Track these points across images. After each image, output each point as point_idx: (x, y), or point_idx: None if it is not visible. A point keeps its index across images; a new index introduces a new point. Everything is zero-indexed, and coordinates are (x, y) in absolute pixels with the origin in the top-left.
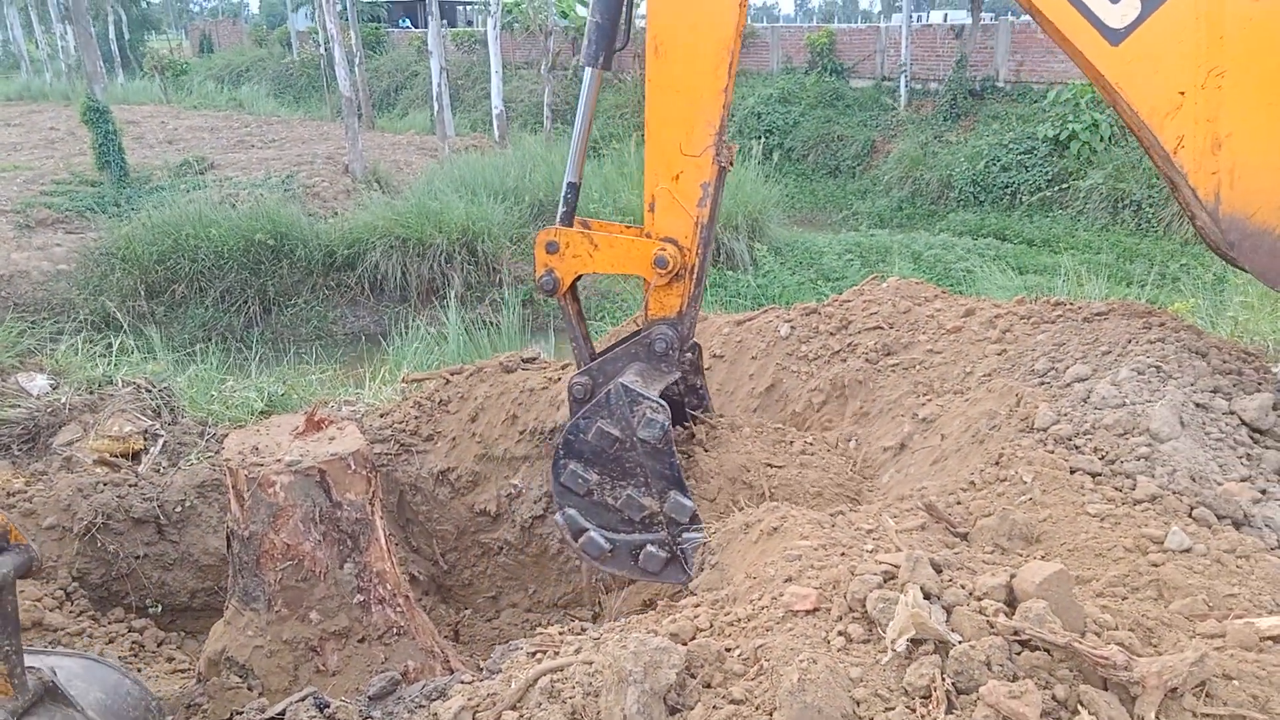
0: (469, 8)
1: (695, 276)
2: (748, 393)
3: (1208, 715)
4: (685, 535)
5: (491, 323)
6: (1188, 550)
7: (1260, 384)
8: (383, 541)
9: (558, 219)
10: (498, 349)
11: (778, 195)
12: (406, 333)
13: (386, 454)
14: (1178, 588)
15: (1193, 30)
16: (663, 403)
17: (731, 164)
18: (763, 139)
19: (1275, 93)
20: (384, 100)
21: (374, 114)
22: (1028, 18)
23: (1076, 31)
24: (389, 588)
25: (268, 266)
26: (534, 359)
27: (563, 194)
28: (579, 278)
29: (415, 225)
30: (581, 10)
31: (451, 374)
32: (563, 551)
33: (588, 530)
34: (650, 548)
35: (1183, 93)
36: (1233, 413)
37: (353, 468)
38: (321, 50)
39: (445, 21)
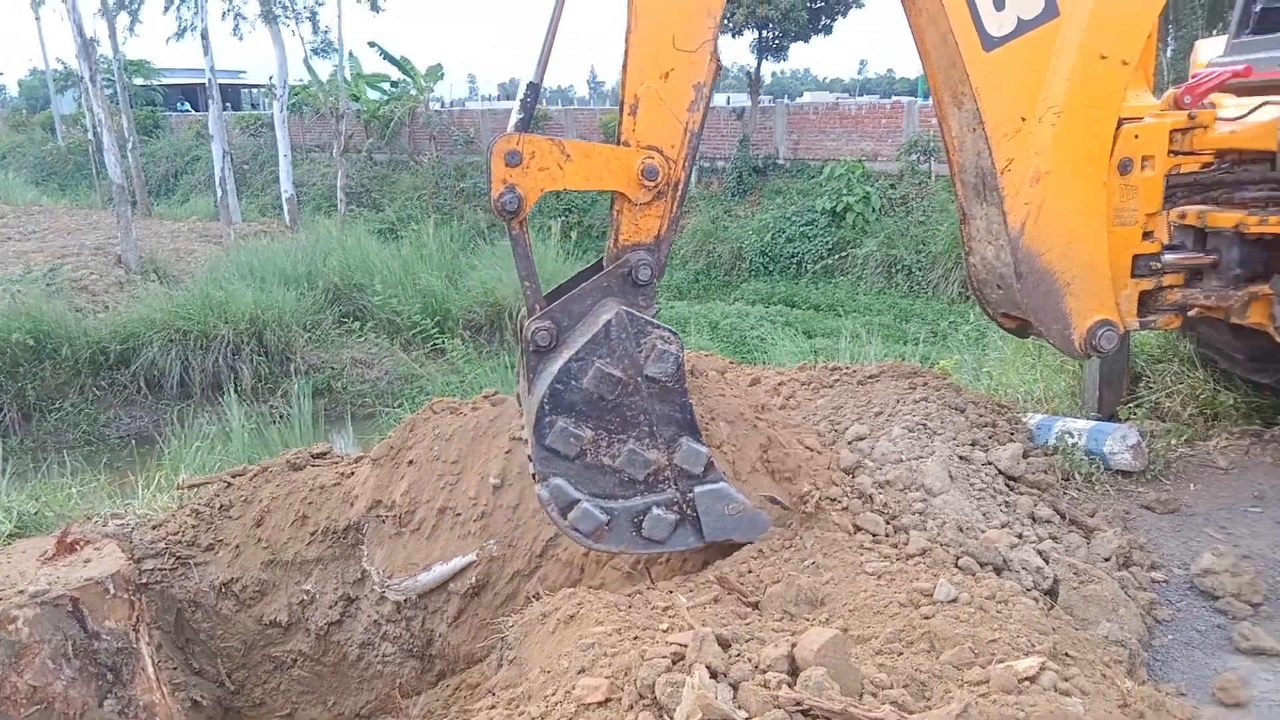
0: (254, 91)
1: (679, 194)
2: None
3: None
4: (699, 489)
5: (283, 416)
6: (954, 600)
7: (1012, 434)
8: (151, 670)
9: (511, 126)
10: (290, 445)
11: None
12: (186, 433)
13: (160, 569)
14: (947, 638)
15: (1047, 64)
16: (674, 330)
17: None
18: (562, 218)
19: (1092, 147)
20: (162, 186)
21: (150, 201)
22: (802, 100)
23: (961, 25)
24: None
25: (27, 369)
26: (325, 454)
27: (520, 97)
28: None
29: (197, 316)
30: (373, 94)
31: (233, 476)
32: (363, 657)
33: (578, 501)
34: (656, 510)
35: (1024, 119)
36: (990, 463)
37: (112, 592)
38: (90, 135)
39: (228, 105)
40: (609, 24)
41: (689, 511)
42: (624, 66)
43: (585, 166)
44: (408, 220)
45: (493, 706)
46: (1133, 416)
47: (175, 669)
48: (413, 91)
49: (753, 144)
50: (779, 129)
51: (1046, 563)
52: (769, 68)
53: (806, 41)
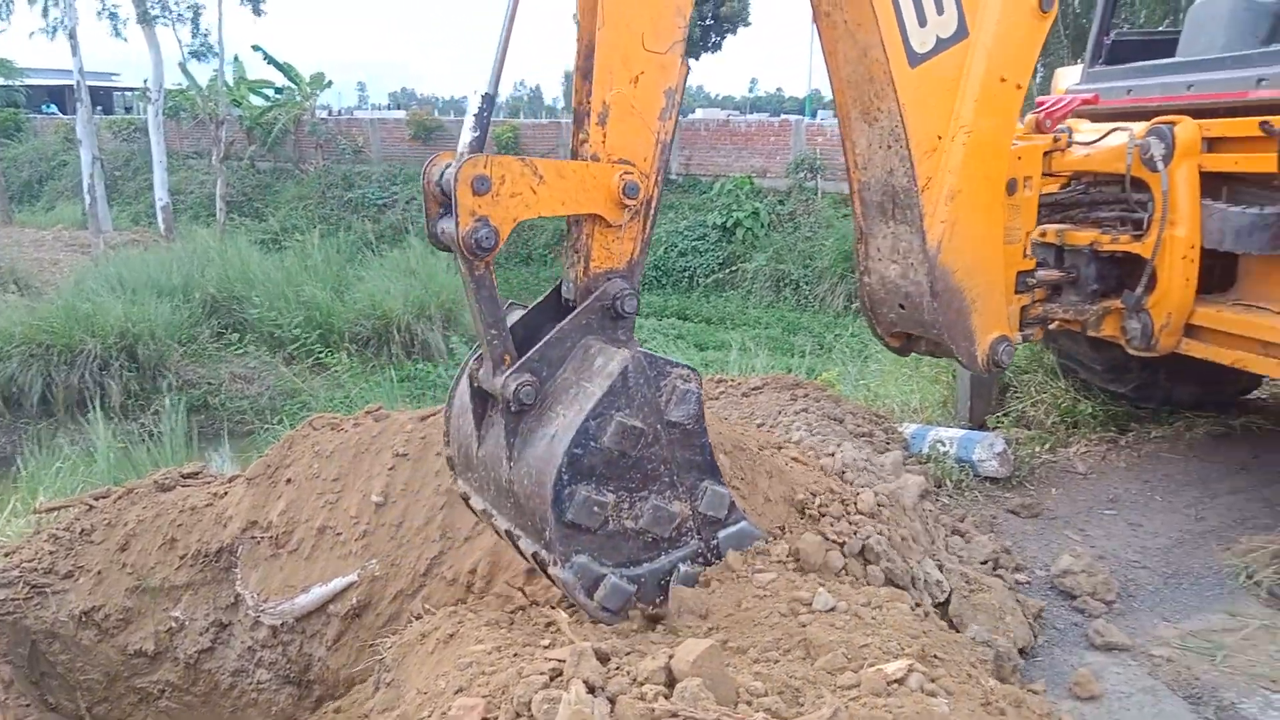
0: (128, 94)
1: (652, 214)
2: (434, 490)
3: None
4: (723, 534)
5: (153, 435)
6: (832, 609)
7: (888, 443)
8: None
9: (466, 145)
10: (161, 465)
11: None
12: (45, 453)
13: (13, 599)
14: (822, 645)
15: (956, 84)
16: (691, 367)
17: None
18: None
19: (993, 167)
20: (25, 192)
21: (11, 207)
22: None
23: (891, 39)
24: None
25: None
26: (196, 474)
27: (476, 111)
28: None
29: (61, 329)
30: (256, 100)
31: (96, 498)
32: (236, 686)
33: (604, 577)
34: (684, 567)
35: (940, 137)
36: (869, 470)
37: None
38: None
39: (100, 108)
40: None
41: (714, 560)
42: (586, 70)
43: (560, 189)
44: (292, 230)
45: None
46: (1000, 425)
47: (28, 705)
48: (298, 98)
49: None
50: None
51: (941, 570)
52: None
53: (697, 59)
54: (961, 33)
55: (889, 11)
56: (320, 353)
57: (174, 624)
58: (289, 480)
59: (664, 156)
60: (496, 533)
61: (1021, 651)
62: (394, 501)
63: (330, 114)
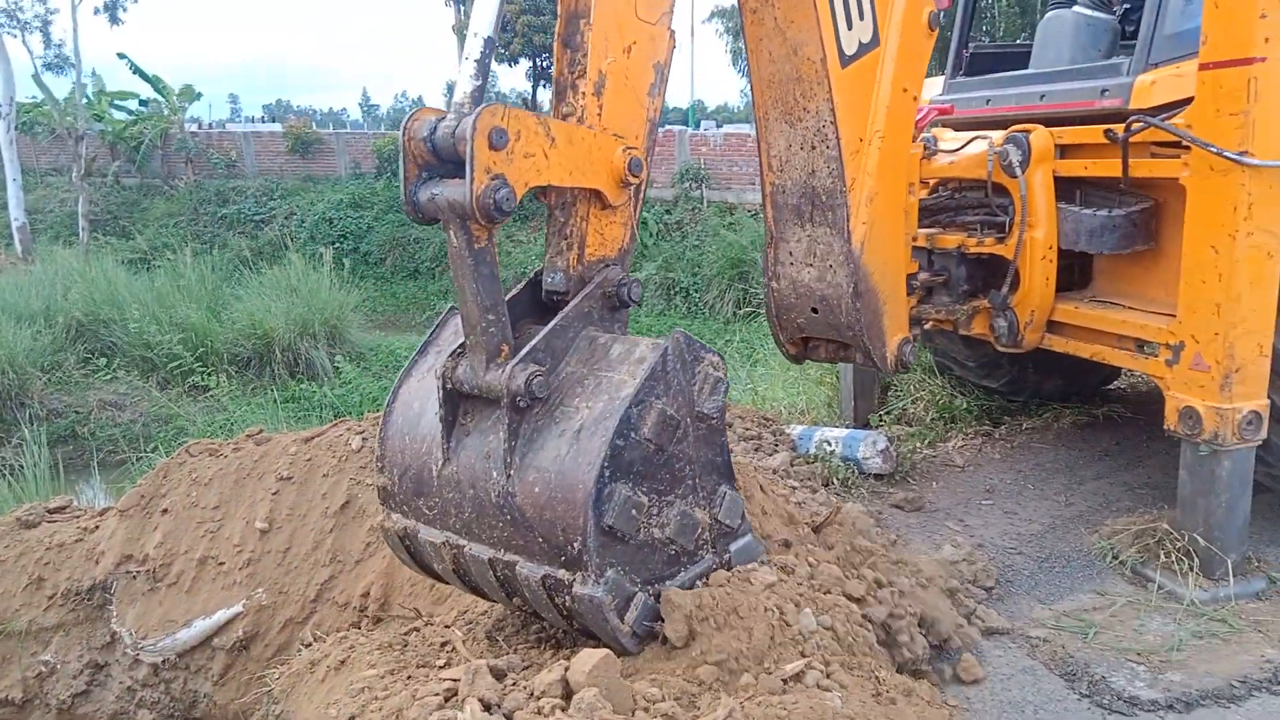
0: None
1: (640, 199)
2: (321, 513)
3: None
4: (734, 547)
5: (15, 469)
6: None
7: (776, 445)
8: None
9: (467, 94)
10: (24, 500)
11: (356, 300)
12: None
13: None
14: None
15: (872, 89)
16: (719, 353)
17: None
18: (335, 245)
19: (899, 172)
20: None
21: None
22: None
23: (829, 36)
24: None
25: None
26: (63, 508)
27: (477, 56)
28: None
29: None
30: (118, 114)
31: None
32: None
33: (635, 594)
34: (699, 586)
35: (861, 139)
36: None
37: None
38: None
39: None
40: (381, 36)
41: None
42: (569, 37)
43: (570, 157)
44: (163, 249)
45: None
46: (883, 423)
47: None
48: (165, 111)
49: None
50: None
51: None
52: (546, 95)
53: None
54: (875, 41)
55: (827, 10)
56: (199, 373)
57: (44, 668)
58: (165, 510)
59: (652, 137)
60: (460, 571)
61: None
62: (279, 527)
63: (201, 127)
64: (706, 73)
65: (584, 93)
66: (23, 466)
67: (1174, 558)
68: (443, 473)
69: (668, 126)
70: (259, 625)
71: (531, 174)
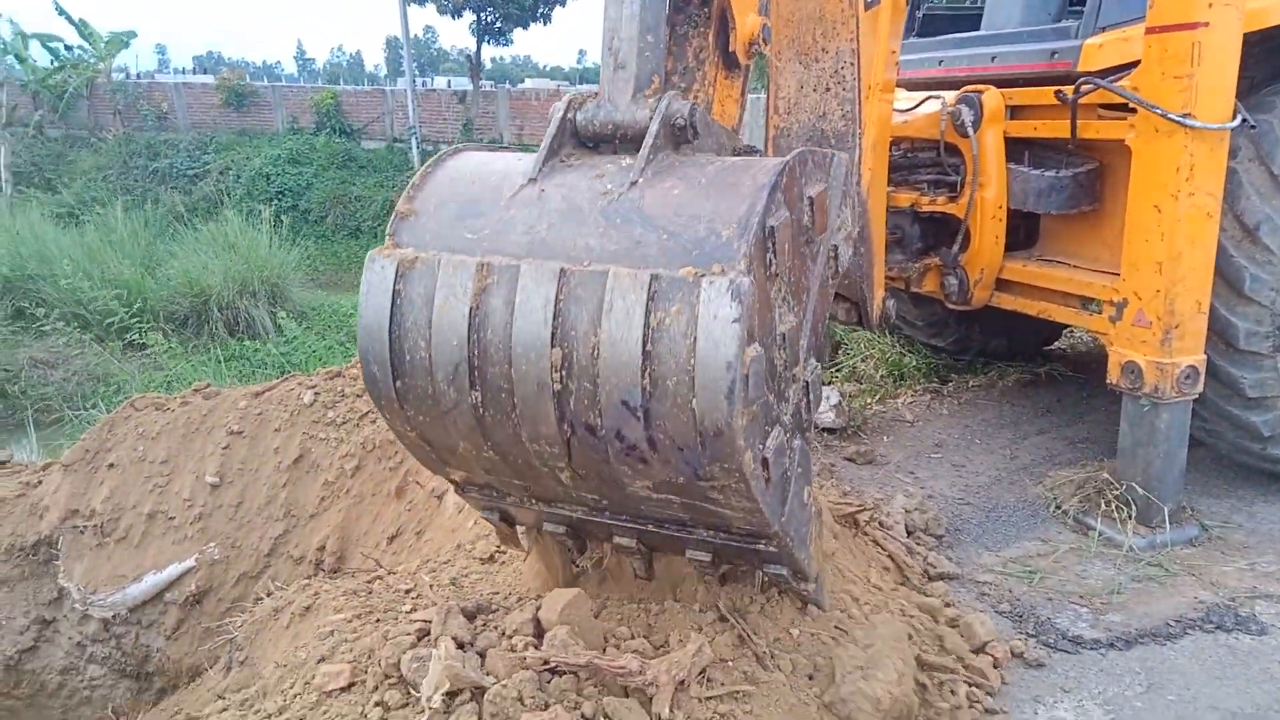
0: None
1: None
2: (274, 467)
3: (710, 697)
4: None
5: None
6: None
7: None
8: None
9: None
10: None
11: (297, 259)
12: None
13: None
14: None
15: (878, 38)
16: None
17: None
18: (274, 202)
19: (887, 125)
20: None
21: None
22: (523, 86)
23: None
24: None
25: None
26: (3, 463)
27: None
28: None
29: None
30: (42, 57)
31: None
32: (66, 684)
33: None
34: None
35: (870, 87)
36: None
37: None
38: None
39: None
40: None
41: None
42: None
43: None
44: (91, 203)
45: (224, 710)
46: (834, 380)
47: None
48: (92, 59)
49: (476, 128)
50: (502, 114)
51: None
52: (490, 52)
53: (526, 28)
54: None
55: None
56: (134, 329)
57: None
58: (111, 465)
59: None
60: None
61: None
62: (230, 482)
63: (128, 77)
64: None
65: None
66: None
67: (1114, 506)
68: (520, 194)
69: None
70: (212, 580)
71: None
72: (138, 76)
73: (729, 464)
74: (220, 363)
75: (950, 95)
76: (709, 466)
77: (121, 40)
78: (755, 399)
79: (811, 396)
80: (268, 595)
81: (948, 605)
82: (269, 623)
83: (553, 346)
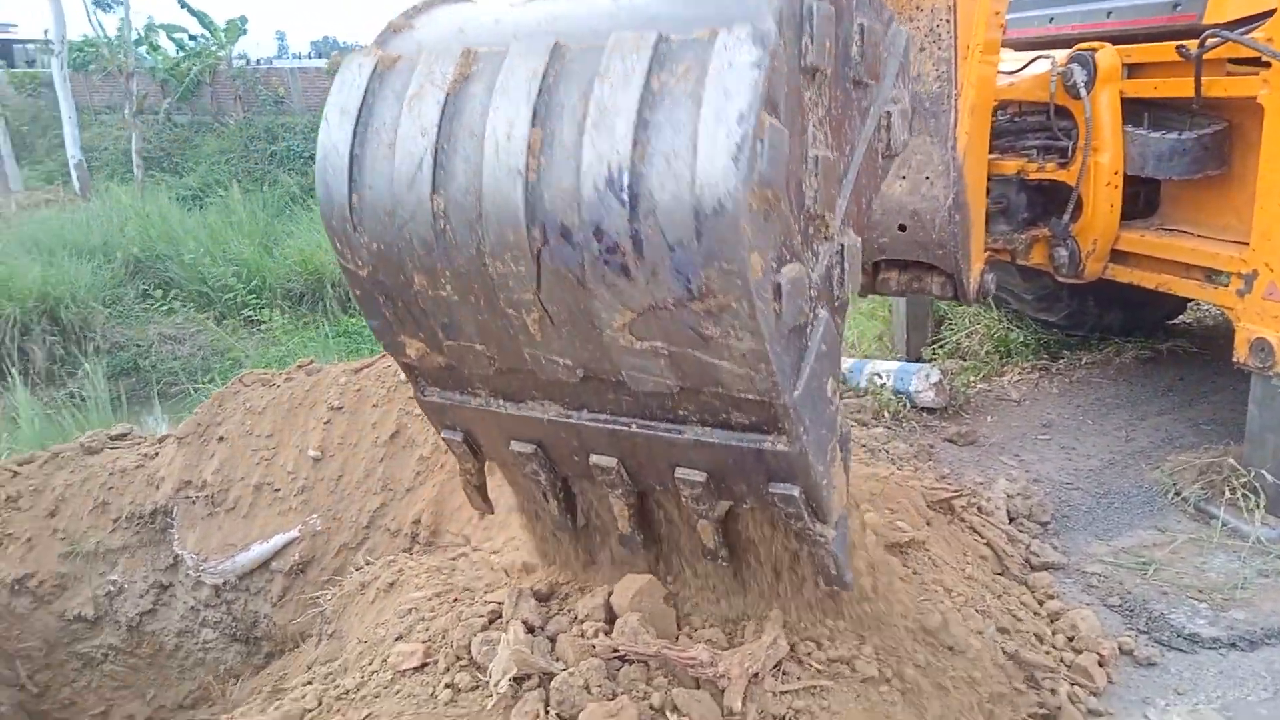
0: (29, 47)
1: None
2: (372, 442)
3: (785, 691)
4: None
5: (81, 399)
6: None
7: None
8: None
9: None
10: (88, 429)
11: None
12: None
13: None
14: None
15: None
16: None
17: None
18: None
19: (989, 88)
20: None
21: None
22: None
23: None
24: None
25: None
26: (124, 435)
27: None
28: None
29: None
30: (170, 45)
31: (20, 464)
32: (182, 646)
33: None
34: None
35: (968, 47)
36: None
37: None
38: None
39: (1, 61)
40: None
41: None
42: None
43: None
44: (214, 186)
45: (308, 683)
46: (935, 357)
47: None
48: (213, 47)
49: None
50: None
51: None
52: None
53: None
54: None
55: None
56: (253, 306)
57: (112, 587)
58: (221, 438)
59: None
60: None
61: None
62: (331, 455)
63: (249, 64)
64: None
65: None
66: (84, 399)
67: (1240, 494)
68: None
69: None
70: (315, 550)
71: None
72: (257, 63)
73: (730, 264)
74: (328, 339)
75: (1061, 55)
76: (705, 271)
77: (238, 27)
78: (771, 182)
79: (847, 266)
80: (356, 570)
81: (1050, 598)
82: (356, 597)
83: (533, 126)
